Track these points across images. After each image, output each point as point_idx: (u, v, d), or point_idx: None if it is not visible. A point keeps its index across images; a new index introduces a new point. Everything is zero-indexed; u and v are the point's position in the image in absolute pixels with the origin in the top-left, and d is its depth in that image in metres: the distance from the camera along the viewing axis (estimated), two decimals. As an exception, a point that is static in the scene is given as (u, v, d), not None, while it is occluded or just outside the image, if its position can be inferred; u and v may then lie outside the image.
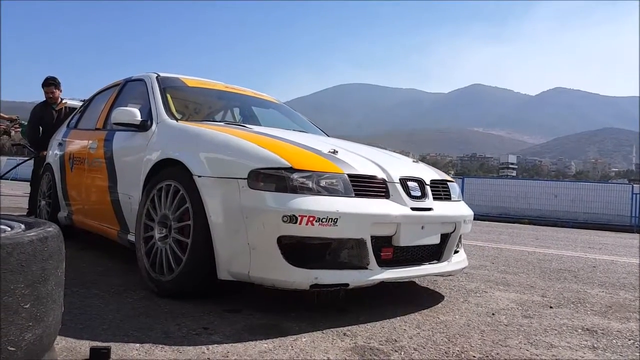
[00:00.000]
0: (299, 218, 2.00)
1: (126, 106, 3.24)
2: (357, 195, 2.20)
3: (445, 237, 2.58)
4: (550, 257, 4.98)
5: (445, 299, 2.70)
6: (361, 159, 2.47)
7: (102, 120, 3.72)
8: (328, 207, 2.05)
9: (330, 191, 2.14)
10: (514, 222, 12.14)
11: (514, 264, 4.31)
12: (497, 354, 1.81)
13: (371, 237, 2.17)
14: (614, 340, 2.08)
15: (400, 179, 2.39)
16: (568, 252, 5.70)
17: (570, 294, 3.05)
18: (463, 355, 1.77)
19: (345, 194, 2.17)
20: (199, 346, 1.71)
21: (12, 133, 10.04)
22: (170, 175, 2.47)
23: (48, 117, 5.58)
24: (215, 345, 1.73)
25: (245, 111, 4.06)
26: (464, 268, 2.81)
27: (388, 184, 2.34)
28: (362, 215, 2.13)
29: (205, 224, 2.20)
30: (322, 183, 2.13)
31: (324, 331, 1.96)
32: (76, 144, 4.01)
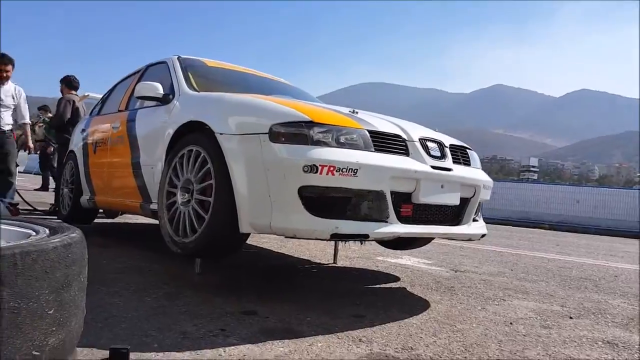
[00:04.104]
0: (320, 168, 2.03)
1: None
2: (376, 151, 2.24)
3: (464, 202, 2.61)
4: (570, 265, 4.89)
5: (462, 306, 2.67)
6: (381, 120, 2.51)
7: (125, 103, 3.83)
8: (348, 157, 2.09)
9: (350, 145, 2.18)
10: (534, 227, 11.96)
11: (534, 271, 4.24)
12: (515, 365, 1.78)
13: (391, 192, 2.19)
14: (636, 355, 2.03)
15: (419, 139, 2.43)
16: (589, 260, 5.59)
17: (590, 304, 2.99)
18: (480, 365, 1.76)
19: (365, 149, 2.20)
20: (216, 348, 1.72)
21: (37, 129, 10.26)
22: (191, 140, 2.55)
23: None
24: (232, 347, 1.75)
25: (264, 92, 4.13)
26: (484, 235, 2.83)
27: (408, 142, 2.38)
28: (381, 168, 2.15)
29: (227, 181, 2.25)
30: (342, 139, 2.17)
31: (339, 336, 1.96)
32: (99, 128, 4.16)
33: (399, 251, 4.98)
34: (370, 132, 2.28)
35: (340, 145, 2.16)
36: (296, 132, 2.15)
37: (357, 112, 2.48)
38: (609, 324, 2.52)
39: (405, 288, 3.08)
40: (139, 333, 1.84)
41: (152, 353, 1.64)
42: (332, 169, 2.06)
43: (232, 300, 2.39)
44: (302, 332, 1.99)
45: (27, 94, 5.15)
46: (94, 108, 4.79)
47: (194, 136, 2.54)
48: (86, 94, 5.73)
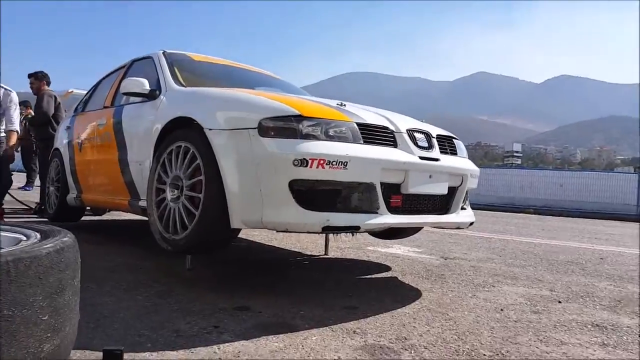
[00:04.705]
0: (310, 161, 2.03)
1: None
2: (365, 143, 2.25)
3: (452, 190, 2.65)
4: (557, 249, 4.97)
5: (453, 294, 2.70)
6: (368, 112, 2.52)
7: (110, 99, 3.78)
8: (338, 150, 2.10)
9: (339, 138, 2.18)
10: (519, 212, 12.12)
11: (521, 256, 4.30)
12: (508, 351, 1.81)
13: (380, 183, 2.21)
14: (624, 337, 2.08)
15: (407, 130, 2.45)
16: (575, 243, 5.69)
17: (578, 287, 3.04)
18: (474, 353, 1.78)
19: (354, 141, 2.21)
20: (210, 346, 1.72)
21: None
22: (180, 136, 2.53)
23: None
24: (227, 344, 1.74)
25: (250, 85, 4.11)
26: (472, 223, 2.86)
27: (396, 134, 2.39)
28: (371, 160, 2.17)
29: (216, 177, 2.24)
30: (331, 132, 2.17)
31: (333, 328, 1.97)
32: (84, 125, 4.09)
33: (389, 241, 5.01)
34: (358, 124, 2.27)
35: (330, 138, 2.16)
36: (285, 126, 2.13)
37: (344, 105, 2.47)
38: (597, 307, 2.57)
39: (396, 277, 3.10)
40: (132, 333, 1.82)
41: (146, 353, 1.63)
42: (322, 162, 2.05)
43: (224, 296, 2.38)
44: (296, 326, 1.99)
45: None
46: (78, 105, 4.71)
47: (182, 132, 2.51)
48: (70, 90, 5.62)
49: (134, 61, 3.83)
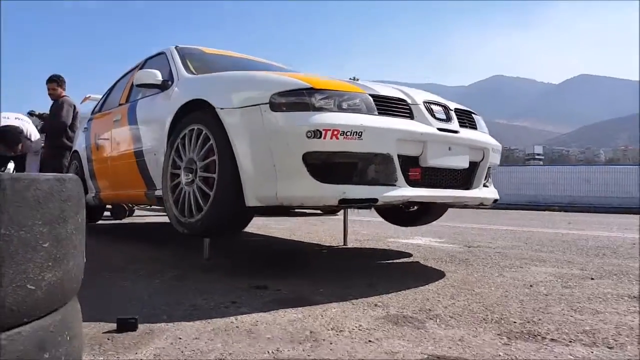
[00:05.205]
0: (323, 132, 1.98)
1: None
2: (380, 115, 2.17)
3: (474, 165, 2.56)
4: (586, 237, 4.80)
5: (479, 274, 2.60)
6: (383, 86, 2.45)
7: (125, 97, 3.80)
8: (352, 121, 2.04)
9: (353, 110, 2.12)
10: (543, 210, 11.84)
11: (549, 243, 4.16)
12: (540, 319, 1.71)
13: (398, 155, 2.13)
14: (664, 306, 1.96)
15: (424, 102, 2.37)
16: (604, 233, 5.49)
17: (611, 267, 2.91)
18: (503, 321, 1.69)
19: (369, 113, 2.14)
20: (227, 317, 1.66)
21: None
22: (192, 119, 2.51)
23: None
24: (244, 315, 1.69)
25: None
26: (496, 200, 2.75)
27: (412, 106, 2.32)
28: (387, 130, 2.10)
29: (230, 155, 2.20)
30: (344, 104, 2.11)
31: (353, 302, 1.90)
32: (100, 123, 4.13)
33: (409, 232, 4.92)
34: (372, 96, 2.21)
35: (343, 110, 2.10)
36: (297, 101, 2.09)
37: (358, 80, 2.42)
38: (633, 282, 2.44)
39: (418, 262, 3.01)
40: (148, 307, 1.78)
41: (161, 324, 1.59)
42: (336, 133, 1.99)
43: (242, 278, 2.33)
44: (316, 300, 1.93)
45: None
46: (96, 106, 4.76)
47: (195, 115, 2.49)
48: (88, 96, 5.68)
49: (147, 59, 3.86)
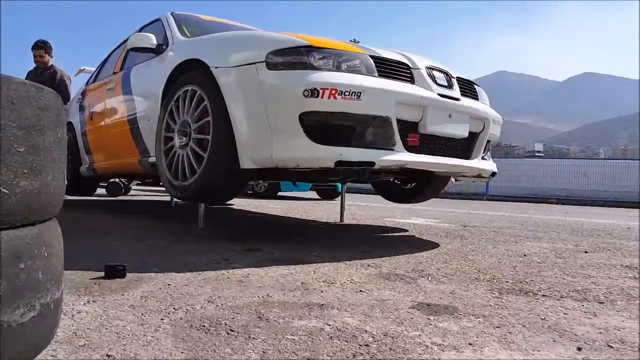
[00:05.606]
0: (321, 91, 1.94)
1: None
2: (380, 77, 2.13)
3: (473, 136, 2.53)
4: (581, 223, 4.79)
5: (473, 246, 2.58)
6: (384, 50, 2.39)
7: (120, 65, 3.75)
8: (351, 80, 2.00)
9: (352, 71, 2.08)
10: (541, 202, 11.82)
11: (544, 226, 4.14)
12: (532, 280, 1.70)
13: (397, 119, 2.09)
14: (658, 274, 1.94)
15: (425, 67, 2.33)
16: (600, 220, 5.48)
17: (605, 244, 2.89)
18: (495, 280, 1.67)
19: (368, 74, 2.10)
20: (219, 270, 1.65)
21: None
22: (186, 80, 2.47)
23: (39, 82, 5.46)
24: (236, 269, 1.67)
25: None
26: (494, 173, 2.73)
27: (413, 70, 2.29)
28: (386, 91, 2.06)
29: (225, 116, 2.17)
30: (343, 65, 2.07)
31: (346, 263, 1.89)
32: (94, 94, 4.08)
33: (406, 213, 4.90)
34: (373, 57, 2.17)
35: (341, 70, 2.06)
36: (294, 59, 2.05)
37: (358, 42, 2.38)
38: (626, 256, 2.43)
39: (414, 236, 3.00)
40: (139, 262, 1.76)
41: (150, 273, 1.57)
42: (334, 92, 1.96)
43: (236, 243, 2.31)
44: (309, 261, 1.91)
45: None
46: (90, 78, 4.71)
47: (189, 75, 2.45)
48: (82, 68, 5.59)
49: (142, 27, 3.80)
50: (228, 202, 5.77)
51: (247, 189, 7.82)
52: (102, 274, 1.51)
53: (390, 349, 0.96)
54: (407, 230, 3.30)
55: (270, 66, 2.06)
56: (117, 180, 6.49)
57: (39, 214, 0.83)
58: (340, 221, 3.82)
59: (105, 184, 6.60)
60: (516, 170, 13.21)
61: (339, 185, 6.23)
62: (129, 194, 7.32)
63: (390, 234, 3.07)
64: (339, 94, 1.96)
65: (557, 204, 11.70)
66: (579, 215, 6.55)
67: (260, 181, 6.65)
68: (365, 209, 5.66)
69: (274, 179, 2.82)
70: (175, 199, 5.22)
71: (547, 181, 12.92)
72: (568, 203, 11.80)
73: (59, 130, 0.87)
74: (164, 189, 8.60)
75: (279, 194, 8.40)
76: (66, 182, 0.92)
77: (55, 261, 0.88)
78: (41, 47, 5.22)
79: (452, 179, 3.96)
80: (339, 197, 3.77)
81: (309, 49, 2.05)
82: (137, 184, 9.00)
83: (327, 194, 8.48)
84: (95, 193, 5.57)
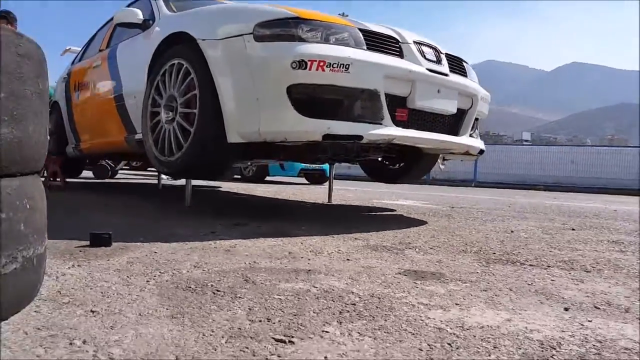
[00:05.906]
0: (309, 63, 1.92)
1: None
2: (369, 50, 2.10)
3: (462, 113, 2.52)
4: (569, 206, 4.84)
5: (461, 224, 2.59)
6: (373, 24, 2.37)
7: (105, 43, 3.67)
8: (339, 52, 1.97)
9: (340, 43, 2.04)
10: (529, 189, 11.93)
11: (531, 209, 4.18)
12: (519, 252, 1.71)
13: (386, 94, 2.07)
14: (642, 248, 1.97)
15: (414, 42, 2.31)
16: (588, 204, 5.55)
17: (592, 224, 2.93)
18: (482, 252, 1.68)
19: (357, 47, 2.07)
20: (206, 241, 1.64)
21: None
22: (173, 54, 2.42)
23: None
24: (223, 241, 1.66)
25: None
26: (482, 151, 2.72)
27: (402, 44, 2.26)
28: (375, 64, 2.04)
29: (211, 89, 2.13)
30: (332, 38, 2.04)
31: (334, 236, 1.88)
32: (80, 72, 4.00)
33: (394, 196, 4.92)
34: (362, 30, 2.15)
35: (330, 43, 2.04)
36: (282, 31, 2.02)
37: (347, 16, 2.36)
38: (613, 233, 2.46)
39: (402, 215, 3.01)
40: (125, 232, 1.74)
41: (137, 243, 1.55)
42: (322, 64, 1.94)
43: (223, 219, 2.30)
44: (297, 234, 1.90)
45: None
46: (76, 57, 4.61)
47: (176, 49, 2.41)
48: (68, 48, 5.48)
49: (130, 4, 3.72)
50: (215, 185, 5.74)
51: (235, 171, 7.78)
52: (87, 242, 1.49)
53: (377, 307, 0.96)
54: (395, 210, 3.31)
55: (258, 38, 2.03)
56: (104, 162, 6.42)
57: (21, 165, 0.81)
58: (329, 202, 3.82)
59: (92, 167, 6.53)
60: (504, 157, 13.28)
61: (327, 169, 6.22)
62: (116, 177, 7.25)
63: (378, 213, 3.08)
64: (327, 66, 1.93)
65: (545, 190, 11.82)
66: (566, 200, 6.63)
67: (249, 163, 6.61)
68: (353, 192, 5.67)
69: (261, 156, 2.78)
70: (162, 182, 5.19)
71: (534, 168, 13.01)
72: (556, 190, 11.92)
73: (40, 81, 0.85)
74: (151, 173, 8.51)
75: (267, 178, 8.38)
76: (48, 138, 0.89)
77: (38, 215, 0.86)
78: (2, 17, 4.82)
79: (440, 165, 3.96)
80: (326, 183, 3.77)
81: (297, 20, 2.02)
82: (125, 168, 8.92)
83: (316, 179, 8.47)
84: (82, 176, 5.51)
